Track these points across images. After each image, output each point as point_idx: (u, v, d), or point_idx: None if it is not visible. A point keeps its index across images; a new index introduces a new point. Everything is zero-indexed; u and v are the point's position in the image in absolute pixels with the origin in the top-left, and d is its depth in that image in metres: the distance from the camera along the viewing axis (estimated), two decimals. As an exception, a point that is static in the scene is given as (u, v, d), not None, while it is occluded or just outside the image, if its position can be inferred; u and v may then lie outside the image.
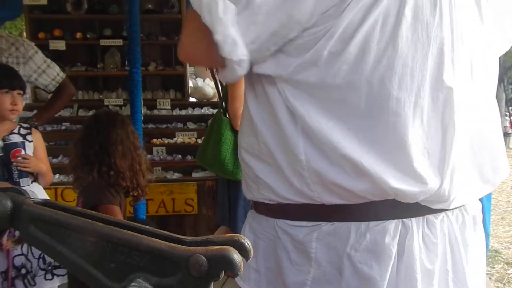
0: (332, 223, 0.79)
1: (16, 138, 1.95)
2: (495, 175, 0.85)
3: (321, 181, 0.77)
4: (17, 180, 1.92)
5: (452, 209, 0.81)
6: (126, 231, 0.47)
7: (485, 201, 3.74)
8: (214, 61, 0.76)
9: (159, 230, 0.49)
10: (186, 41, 0.82)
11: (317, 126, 0.74)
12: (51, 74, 2.39)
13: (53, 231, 0.51)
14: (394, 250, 0.76)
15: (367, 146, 0.73)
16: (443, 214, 0.80)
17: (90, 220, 0.49)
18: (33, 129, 2.05)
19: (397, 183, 0.74)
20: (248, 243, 0.49)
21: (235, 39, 0.70)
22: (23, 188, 1.89)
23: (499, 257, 3.99)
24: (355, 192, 0.76)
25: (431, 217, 0.79)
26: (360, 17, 0.69)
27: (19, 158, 1.91)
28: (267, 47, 0.73)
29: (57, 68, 2.44)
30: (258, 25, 0.71)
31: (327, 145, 0.74)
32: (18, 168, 1.91)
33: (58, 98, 2.49)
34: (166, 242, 0.45)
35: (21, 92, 1.96)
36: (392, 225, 0.77)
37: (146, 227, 0.50)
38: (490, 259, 3.91)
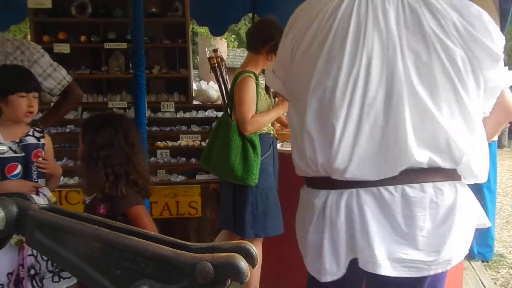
0: (308, 188, 1.40)
1: (32, 141, 1.93)
2: (396, 164, 1.20)
3: (304, 159, 1.35)
4: (36, 180, 1.91)
5: (365, 188, 1.23)
6: (132, 237, 0.47)
7: (490, 205, 3.72)
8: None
9: (165, 236, 0.48)
10: None
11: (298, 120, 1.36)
12: (57, 78, 2.34)
13: (58, 236, 0.51)
14: (318, 208, 1.31)
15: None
16: (351, 190, 1.25)
17: (95, 226, 0.49)
18: (44, 133, 2.04)
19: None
20: (254, 249, 0.49)
21: (272, 79, 1.52)
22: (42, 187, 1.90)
23: (504, 262, 3.96)
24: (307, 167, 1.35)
25: (342, 190, 1.26)
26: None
27: (40, 159, 1.91)
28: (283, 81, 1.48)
29: (64, 72, 2.39)
30: (279, 75, 1.49)
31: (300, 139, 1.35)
32: (38, 169, 1.91)
33: (64, 102, 2.45)
34: (172, 249, 0.44)
35: (36, 94, 1.94)
36: (322, 192, 1.31)
37: (152, 233, 0.50)
38: (495, 264, 3.88)
